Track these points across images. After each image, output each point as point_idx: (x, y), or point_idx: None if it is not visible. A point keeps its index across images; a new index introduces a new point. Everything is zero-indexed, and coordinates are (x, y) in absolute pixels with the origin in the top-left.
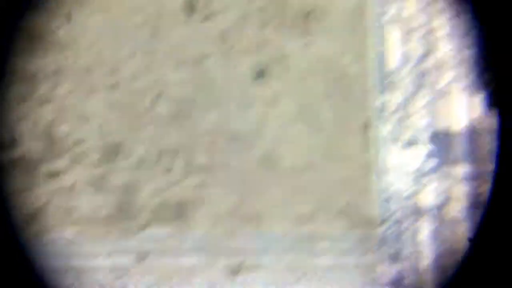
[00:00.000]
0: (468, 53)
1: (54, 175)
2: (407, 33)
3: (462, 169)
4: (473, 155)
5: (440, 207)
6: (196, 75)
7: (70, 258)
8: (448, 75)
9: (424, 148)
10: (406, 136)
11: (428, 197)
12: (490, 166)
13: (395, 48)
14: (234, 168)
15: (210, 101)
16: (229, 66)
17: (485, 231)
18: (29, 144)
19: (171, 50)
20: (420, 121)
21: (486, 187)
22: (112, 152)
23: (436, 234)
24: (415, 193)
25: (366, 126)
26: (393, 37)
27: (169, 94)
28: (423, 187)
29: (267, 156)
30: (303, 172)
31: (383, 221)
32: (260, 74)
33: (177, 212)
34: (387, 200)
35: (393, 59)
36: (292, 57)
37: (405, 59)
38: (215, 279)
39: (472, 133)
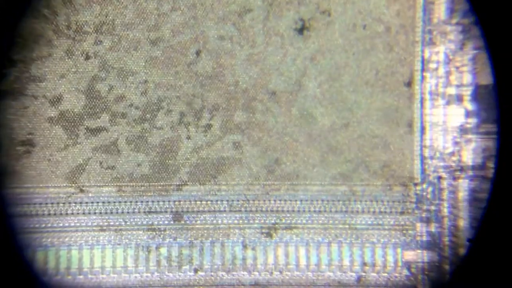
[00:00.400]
0: None
1: (95, 131)
2: None
3: None
4: None
5: (481, 166)
6: (237, 31)
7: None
8: None
9: (467, 105)
10: (450, 92)
11: (469, 155)
12: None
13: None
14: (271, 127)
15: (251, 57)
16: (271, 21)
17: (485, 231)
18: (71, 100)
19: (212, 5)
20: (464, 77)
21: None
22: (152, 109)
23: (475, 194)
24: (456, 151)
25: (409, 82)
26: None
27: (210, 50)
28: (465, 145)
29: (305, 115)
30: (341, 130)
31: (422, 180)
32: (302, 29)
33: (214, 171)
34: (427, 158)
35: (439, 11)
36: (334, 11)
37: (451, 12)
38: (250, 239)
39: None
